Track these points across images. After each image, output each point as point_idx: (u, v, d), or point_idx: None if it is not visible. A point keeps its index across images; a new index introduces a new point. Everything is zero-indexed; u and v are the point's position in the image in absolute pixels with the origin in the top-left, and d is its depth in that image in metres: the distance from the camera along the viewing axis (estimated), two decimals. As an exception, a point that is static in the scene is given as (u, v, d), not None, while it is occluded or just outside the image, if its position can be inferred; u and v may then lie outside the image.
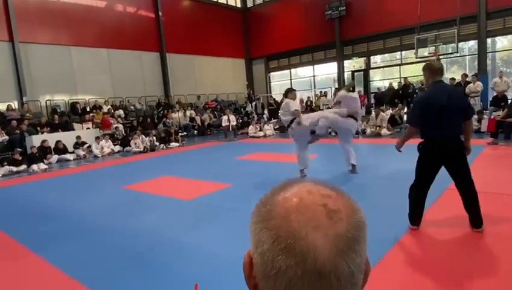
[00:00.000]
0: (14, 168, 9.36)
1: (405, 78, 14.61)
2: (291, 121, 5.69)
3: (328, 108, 10.52)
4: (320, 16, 17.77)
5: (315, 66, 19.69)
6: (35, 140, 10.57)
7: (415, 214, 3.35)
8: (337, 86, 16.59)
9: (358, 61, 18.11)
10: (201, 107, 17.46)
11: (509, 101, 9.81)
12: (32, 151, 9.83)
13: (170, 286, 2.72)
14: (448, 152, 3.14)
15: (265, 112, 17.73)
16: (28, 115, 12.24)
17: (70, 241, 3.86)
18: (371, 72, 18.08)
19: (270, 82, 21.98)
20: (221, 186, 5.82)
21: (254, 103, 18.41)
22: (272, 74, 21.89)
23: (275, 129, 14.32)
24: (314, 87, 19.87)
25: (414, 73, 16.34)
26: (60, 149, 10.91)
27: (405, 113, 13.22)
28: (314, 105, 15.46)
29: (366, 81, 17.86)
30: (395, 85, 14.67)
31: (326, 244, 0.41)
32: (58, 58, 13.73)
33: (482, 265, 2.70)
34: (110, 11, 15.51)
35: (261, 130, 13.99)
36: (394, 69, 17.16)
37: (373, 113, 11.91)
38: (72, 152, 11.23)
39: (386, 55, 17.47)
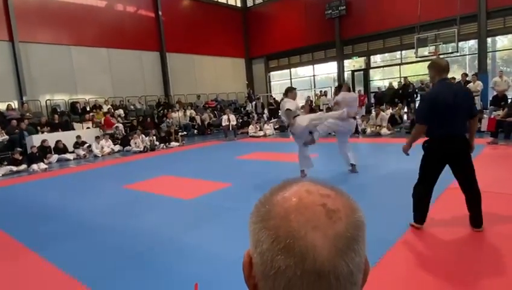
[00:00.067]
0: (14, 168, 9.36)
1: (405, 77, 14.61)
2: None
3: (328, 108, 10.53)
4: (320, 16, 17.75)
5: (315, 65, 19.68)
6: (35, 140, 10.57)
7: (420, 213, 3.32)
8: (337, 85, 16.57)
9: (358, 61, 18.10)
10: (201, 107, 17.45)
11: (509, 101, 9.80)
12: (32, 150, 9.84)
13: (170, 286, 2.72)
14: (454, 150, 3.13)
15: (265, 111, 17.73)
16: (28, 114, 12.24)
17: (70, 241, 3.87)
18: (371, 71, 18.08)
19: (270, 81, 21.98)
20: (221, 186, 5.82)
21: (254, 103, 18.40)
22: (272, 73, 21.89)
23: (274, 129, 14.32)
24: (314, 87, 19.87)
25: (414, 72, 16.35)
26: (60, 149, 10.92)
27: (405, 112, 13.24)
28: (314, 105, 15.46)
29: (366, 80, 17.86)
30: (395, 85, 14.67)
31: (325, 244, 0.41)
32: (58, 58, 13.72)
33: (483, 265, 2.70)
34: (110, 11, 15.50)
35: (261, 129, 13.99)
36: (394, 69, 17.15)
37: (373, 112, 11.91)
38: (72, 152, 11.23)
39: (386, 54, 17.46)
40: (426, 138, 3.24)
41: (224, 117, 13.76)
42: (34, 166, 9.40)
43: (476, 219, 3.21)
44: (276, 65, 21.32)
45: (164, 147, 12.22)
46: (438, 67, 3.21)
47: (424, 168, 3.27)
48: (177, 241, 3.61)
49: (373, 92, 16.44)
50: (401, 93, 13.70)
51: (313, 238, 0.41)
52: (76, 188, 6.87)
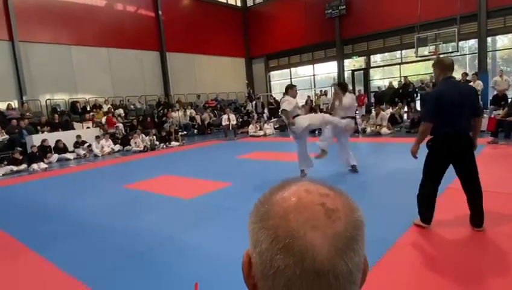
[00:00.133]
0: (15, 168, 9.37)
1: (405, 77, 14.60)
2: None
3: (328, 109, 10.46)
4: (320, 15, 17.74)
5: (315, 65, 19.67)
6: (36, 139, 10.58)
7: (427, 212, 3.30)
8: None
9: (358, 60, 18.09)
10: (201, 106, 17.45)
11: (510, 100, 9.80)
12: (32, 150, 9.84)
13: (170, 286, 2.72)
14: (459, 148, 3.12)
15: (265, 111, 17.72)
16: (28, 114, 12.24)
17: (70, 241, 3.87)
18: (371, 71, 18.07)
19: (270, 81, 21.98)
20: (221, 186, 5.82)
21: (254, 102, 18.39)
22: (272, 73, 21.88)
23: (275, 128, 14.32)
24: (314, 87, 19.86)
25: (414, 72, 16.35)
26: (60, 148, 10.92)
27: (405, 112, 13.24)
28: (314, 104, 15.45)
29: (366, 80, 17.86)
30: (395, 84, 14.66)
31: (324, 243, 0.41)
32: (58, 58, 13.73)
33: (484, 264, 2.70)
34: (110, 10, 15.50)
35: (261, 129, 13.99)
36: (394, 68, 17.15)
37: (373, 112, 11.91)
38: (72, 151, 11.23)
39: (386, 54, 17.46)
40: (430, 137, 3.23)
41: (224, 117, 13.77)
42: (34, 166, 9.41)
43: (477, 219, 3.21)
44: (276, 65, 21.32)
45: (164, 146, 12.22)
46: (443, 66, 3.20)
47: (429, 166, 3.25)
48: (177, 241, 3.61)
49: (373, 92, 16.44)
50: (401, 93, 13.70)
51: (312, 238, 0.41)
52: (77, 187, 6.87)
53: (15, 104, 12.50)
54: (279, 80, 21.71)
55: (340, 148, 6.02)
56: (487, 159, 6.23)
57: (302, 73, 20.68)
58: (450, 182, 3.89)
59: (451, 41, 12.91)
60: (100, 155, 11.19)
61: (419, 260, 2.87)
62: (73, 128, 12.44)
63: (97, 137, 11.66)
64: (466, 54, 15.33)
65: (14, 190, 7.30)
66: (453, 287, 2.44)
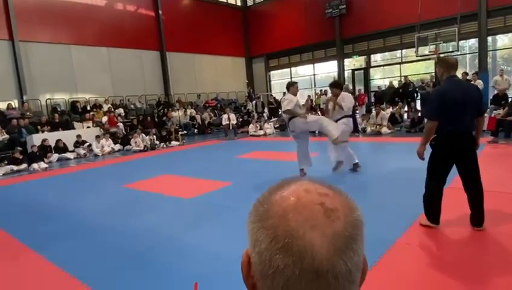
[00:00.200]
0: (15, 167, 9.37)
1: (405, 76, 14.60)
2: (290, 119, 5.68)
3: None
4: (321, 14, 17.74)
5: (315, 64, 19.67)
6: (36, 139, 10.59)
7: (434, 211, 3.29)
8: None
9: (358, 60, 18.08)
10: (201, 106, 17.45)
11: (510, 100, 9.80)
12: (32, 150, 9.85)
13: (170, 285, 2.72)
14: (462, 147, 3.12)
15: (266, 110, 17.72)
16: (28, 113, 12.25)
17: (70, 240, 3.87)
18: (371, 70, 18.06)
19: (270, 80, 21.97)
20: (221, 185, 5.82)
21: (254, 102, 18.40)
22: (272, 72, 21.88)
23: (275, 128, 14.32)
24: (315, 86, 19.86)
25: (414, 71, 16.35)
26: (61, 148, 10.93)
27: (405, 111, 13.23)
28: (314, 104, 15.44)
29: (367, 79, 17.85)
30: (396, 84, 14.65)
31: (323, 243, 0.41)
32: (58, 57, 13.73)
33: (485, 264, 2.70)
34: (110, 10, 15.50)
35: (261, 128, 13.99)
36: (394, 68, 17.14)
37: (373, 111, 11.91)
38: (73, 151, 11.24)
39: (387, 53, 17.45)
40: (434, 136, 3.22)
41: (225, 116, 13.77)
42: (35, 165, 9.41)
43: (477, 218, 3.20)
44: (276, 64, 21.31)
45: (164, 146, 12.22)
46: (447, 64, 3.20)
47: (433, 165, 3.24)
48: (177, 241, 3.61)
49: (373, 91, 16.43)
50: (402, 92, 13.69)
51: (311, 238, 0.41)
52: (77, 187, 6.87)
53: (15, 103, 12.50)
54: (279, 79, 21.71)
55: (342, 148, 5.92)
56: (487, 159, 6.22)
57: (302, 72, 20.67)
58: (450, 181, 3.89)
59: (452, 41, 12.90)
60: (100, 155, 11.20)
61: (420, 259, 2.87)
62: (74, 128, 12.45)
63: (97, 137, 11.67)
64: (466, 54, 15.32)
65: (14, 189, 7.31)
66: (453, 286, 2.44)
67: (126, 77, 15.88)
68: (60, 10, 13.71)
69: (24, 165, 9.52)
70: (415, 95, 13.43)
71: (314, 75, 20.01)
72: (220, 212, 4.43)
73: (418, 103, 13.32)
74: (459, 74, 3.57)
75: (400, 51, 16.49)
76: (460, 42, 13.54)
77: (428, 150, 3.28)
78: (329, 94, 6.19)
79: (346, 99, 5.75)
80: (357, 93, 15.20)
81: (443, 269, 2.65)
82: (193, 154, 10.40)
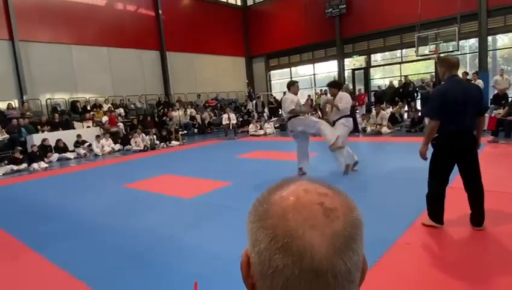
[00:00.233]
0: (15, 167, 9.38)
1: (405, 76, 14.59)
2: (289, 119, 5.68)
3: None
4: (321, 14, 17.73)
5: (315, 64, 19.65)
6: (36, 139, 10.59)
7: (438, 212, 3.27)
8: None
9: (358, 60, 18.07)
10: (201, 106, 17.45)
11: (510, 99, 9.79)
12: (32, 150, 9.85)
13: (170, 285, 2.72)
14: (462, 147, 3.12)
15: (266, 110, 17.72)
16: (28, 113, 12.25)
17: (70, 240, 3.87)
18: (372, 70, 18.05)
19: (270, 80, 21.96)
20: (221, 185, 5.82)
21: (254, 101, 18.39)
22: (272, 72, 21.87)
23: (275, 127, 14.32)
24: (315, 86, 19.85)
25: (415, 71, 16.33)
26: (61, 148, 10.93)
27: (405, 111, 13.23)
28: (314, 103, 15.44)
29: (367, 79, 17.84)
30: (396, 83, 14.65)
31: (323, 243, 0.41)
32: (58, 57, 13.72)
33: (486, 264, 2.70)
34: (111, 10, 15.49)
35: (261, 128, 13.98)
36: (395, 67, 17.13)
37: (373, 111, 11.91)
38: (73, 151, 11.24)
39: (387, 53, 17.44)
40: (435, 135, 3.21)
41: (225, 116, 13.77)
42: (35, 165, 9.41)
43: (478, 218, 3.20)
44: (276, 64, 21.30)
45: (164, 146, 12.23)
46: (448, 64, 3.19)
47: (435, 165, 3.23)
48: (177, 241, 3.61)
49: (373, 91, 16.43)
50: (402, 92, 13.68)
51: (311, 237, 0.41)
52: (77, 187, 6.87)
53: (15, 103, 12.49)
54: (279, 79, 21.70)
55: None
56: (487, 158, 6.22)
57: (303, 72, 20.66)
58: (451, 181, 3.88)
59: (452, 41, 12.89)
60: (100, 154, 11.20)
61: (420, 259, 2.87)
62: (74, 128, 12.45)
63: (97, 136, 11.67)
64: (466, 53, 15.32)
65: (15, 189, 7.31)
66: (454, 286, 2.44)
67: (126, 76, 15.87)
68: (60, 10, 13.70)
69: (24, 165, 9.52)
70: (415, 94, 13.43)
71: (314, 74, 20.00)
72: (220, 212, 4.43)
73: (418, 102, 13.32)
74: (459, 73, 3.56)
75: (400, 50, 16.48)
76: (461, 42, 13.54)
77: (430, 150, 3.28)
78: (330, 94, 6.15)
79: (343, 99, 5.66)
80: (357, 93, 15.19)
81: (443, 268, 2.65)
82: (193, 154, 10.40)
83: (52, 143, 10.80)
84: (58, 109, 13.32)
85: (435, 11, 13.63)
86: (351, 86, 16.25)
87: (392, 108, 12.45)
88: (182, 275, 2.87)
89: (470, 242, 3.11)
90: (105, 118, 13.39)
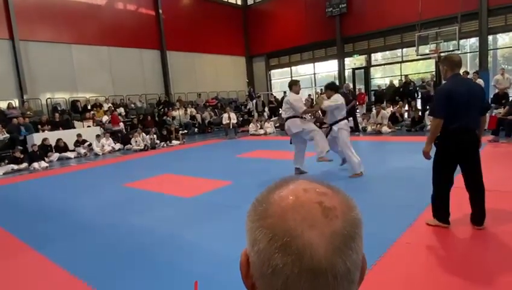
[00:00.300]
0: (15, 166, 9.39)
1: (406, 75, 14.58)
2: (287, 118, 5.68)
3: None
4: (321, 13, 17.71)
5: (316, 63, 19.64)
6: (36, 138, 10.60)
7: (444, 211, 3.26)
8: (337, 84, 16.49)
9: (359, 59, 18.06)
10: (201, 105, 17.45)
11: (510, 99, 9.78)
12: (33, 149, 9.86)
13: (170, 284, 2.73)
14: (465, 145, 3.12)
15: (266, 109, 17.71)
16: (28, 113, 12.26)
17: (70, 239, 3.87)
18: (372, 69, 18.03)
19: (270, 80, 21.95)
20: (221, 184, 5.82)
21: (255, 101, 18.37)
22: (273, 71, 21.85)
23: (275, 127, 14.31)
24: (315, 85, 19.83)
25: (415, 70, 16.32)
26: (61, 147, 10.94)
27: (406, 110, 13.21)
28: (315, 103, 15.41)
29: (367, 78, 17.82)
30: (396, 83, 14.63)
31: (322, 242, 0.41)
32: (58, 56, 13.72)
33: (486, 263, 2.70)
34: (111, 9, 15.48)
35: (261, 128, 13.99)
36: (395, 67, 17.12)
37: (374, 110, 11.90)
38: (73, 150, 11.25)
39: (387, 52, 17.41)
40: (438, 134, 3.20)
41: (225, 115, 13.76)
42: (35, 164, 9.43)
43: (478, 216, 3.20)
44: (276, 63, 21.29)
45: (165, 145, 12.23)
46: (451, 62, 3.19)
47: (438, 164, 3.22)
48: (177, 240, 3.62)
49: (373, 90, 16.41)
50: (402, 91, 13.67)
51: (310, 237, 0.41)
52: (77, 186, 6.88)
53: (15, 103, 12.50)
54: (279, 78, 21.69)
55: (343, 149, 5.81)
56: (488, 158, 6.21)
57: (303, 71, 20.65)
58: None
59: (452, 40, 12.88)
60: (101, 154, 11.21)
61: (420, 259, 2.87)
62: (74, 127, 12.45)
63: (98, 136, 11.68)
64: (467, 53, 15.29)
65: (15, 188, 7.32)
66: (454, 285, 2.44)
67: (126, 76, 15.87)
68: (60, 9, 13.70)
69: (25, 165, 9.53)
70: (416, 94, 13.41)
71: (314, 74, 19.98)
72: (220, 212, 4.44)
73: (419, 102, 13.31)
74: (460, 72, 3.57)
75: (400, 49, 16.45)
76: (461, 41, 13.52)
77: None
78: (325, 96, 6.13)
79: (333, 100, 5.63)
80: (357, 92, 15.18)
81: (444, 268, 2.65)
82: (193, 153, 10.40)
83: (53, 143, 10.82)
84: (59, 108, 13.33)
85: (435, 10, 13.61)
86: (351, 85, 16.23)
87: (393, 107, 12.44)
88: (182, 274, 2.87)
89: (471, 241, 3.11)
90: (105, 118, 13.40)
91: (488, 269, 2.59)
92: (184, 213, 4.59)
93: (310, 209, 0.43)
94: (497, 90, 10.59)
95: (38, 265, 3.29)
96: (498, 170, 5.22)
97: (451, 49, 12.89)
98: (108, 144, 11.70)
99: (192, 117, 15.85)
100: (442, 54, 12.63)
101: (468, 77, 11.57)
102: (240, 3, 21.42)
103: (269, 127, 13.99)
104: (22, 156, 9.66)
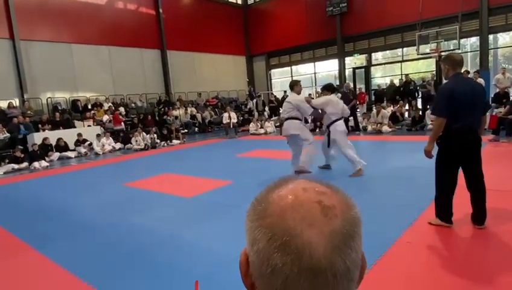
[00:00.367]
0: (16, 166, 9.40)
1: (406, 75, 14.56)
2: (286, 119, 5.67)
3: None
4: (322, 13, 17.70)
5: (316, 63, 19.63)
6: (37, 138, 10.61)
7: (447, 211, 3.25)
8: (338, 83, 16.50)
9: (359, 58, 18.05)
10: (202, 105, 17.45)
11: (511, 98, 9.77)
12: (33, 148, 9.87)
13: (170, 284, 2.73)
14: (470, 145, 3.11)
15: (266, 109, 17.71)
16: (29, 112, 12.26)
17: (70, 239, 3.88)
18: (372, 68, 18.03)
19: (271, 79, 21.94)
20: (222, 184, 5.82)
21: (255, 100, 18.38)
22: (273, 71, 21.84)
23: (275, 126, 14.30)
24: (315, 85, 19.83)
25: (415, 70, 16.30)
26: (61, 147, 10.95)
27: (406, 110, 13.21)
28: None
29: (368, 78, 17.81)
30: (396, 82, 14.62)
31: (321, 241, 0.41)
32: (59, 56, 13.73)
33: (487, 263, 2.69)
34: (111, 9, 15.49)
35: (261, 127, 13.99)
36: (395, 66, 17.11)
37: (374, 110, 11.90)
38: (73, 150, 11.26)
39: (387, 52, 17.40)
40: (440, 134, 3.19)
41: (225, 115, 13.76)
42: (36, 164, 9.43)
43: (479, 216, 3.19)
44: (277, 63, 21.28)
45: (165, 144, 12.23)
46: (453, 61, 3.17)
47: (441, 164, 3.21)
48: (177, 239, 3.62)
49: (374, 90, 16.39)
50: (402, 91, 13.66)
51: (309, 236, 0.41)
52: (78, 185, 6.88)
53: (16, 102, 12.51)
54: (280, 77, 21.69)
55: (342, 149, 5.82)
56: (488, 157, 6.19)
57: (303, 71, 20.64)
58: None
59: (453, 39, 12.86)
60: (101, 153, 11.22)
61: (421, 258, 2.86)
62: (74, 127, 12.47)
63: (98, 135, 11.68)
64: (467, 52, 15.27)
65: (16, 188, 7.32)
66: (455, 284, 2.44)
67: (127, 75, 15.88)
68: (60, 9, 13.70)
69: (25, 164, 9.54)
70: (416, 93, 13.40)
71: (315, 73, 19.97)
72: (221, 211, 4.44)
73: (419, 101, 13.30)
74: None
75: (400, 49, 16.44)
76: (462, 40, 13.49)
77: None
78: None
79: (320, 99, 5.83)
80: (357, 91, 15.18)
81: (445, 267, 2.65)
82: (194, 153, 10.40)
83: (53, 142, 10.83)
84: (59, 107, 13.34)
85: (435, 9, 13.60)
86: (351, 85, 16.23)
87: (393, 107, 12.43)
88: (182, 273, 2.87)
89: (472, 241, 3.11)
90: (106, 117, 13.41)
91: (489, 269, 2.59)
92: (184, 213, 4.59)
93: (309, 209, 0.43)
94: (497, 90, 10.58)
95: (38, 264, 3.29)
96: (499, 170, 5.21)
97: (451, 48, 12.88)
98: (109, 143, 11.71)
99: (193, 116, 15.86)
100: (442, 53, 12.61)
101: (469, 76, 11.57)
102: (240, 3, 21.42)
103: (269, 126, 13.99)
104: (22, 155, 9.67)
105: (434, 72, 14.28)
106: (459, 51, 13.59)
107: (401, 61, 16.63)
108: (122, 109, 14.51)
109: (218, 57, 19.84)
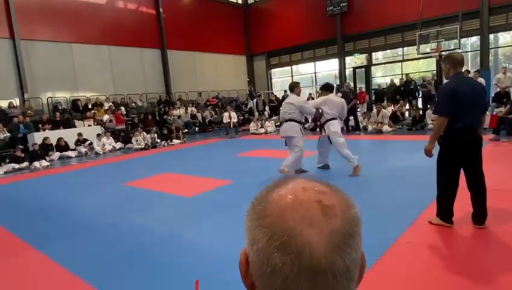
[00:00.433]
0: (16, 165, 9.40)
1: (407, 74, 14.55)
2: (287, 120, 5.67)
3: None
4: (322, 12, 17.69)
5: (316, 62, 19.62)
6: (37, 137, 10.62)
7: (448, 211, 3.24)
8: (338, 83, 16.49)
9: (359, 58, 18.04)
10: (202, 104, 17.45)
11: (512, 98, 9.77)
12: (34, 148, 9.88)
13: (170, 283, 2.73)
14: (471, 144, 3.11)
15: (267, 108, 17.71)
16: (29, 112, 12.27)
17: (71, 238, 3.88)
18: (373, 68, 18.01)
19: (271, 79, 21.93)
20: (222, 183, 5.82)
21: (255, 100, 18.38)
22: (273, 70, 21.83)
23: (276, 126, 14.30)
24: (316, 84, 19.81)
25: (416, 69, 16.29)
26: (62, 146, 10.96)
27: (406, 109, 13.20)
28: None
29: (368, 77, 17.80)
30: (397, 81, 14.62)
31: (321, 240, 0.41)
32: (59, 55, 13.73)
33: (487, 262, 2.69)
34: (111, 8, 15.49)
35: (262, 127, 13.98)
36: (396, 66, 17.10)
37: (374, 109, 11.89)
38: (74, 149, 11.26)
39: (388, 51, 17.38)
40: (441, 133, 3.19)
41: (225, 114, 13.76)
42: (36, 163, 9.44)
43: (480, 215, 3.19)
44: (277, 62, 21.27)
45: (165, 144, 12.24)
46: (454, 61, 3.17)
47: (443, 163, 3.21)
48: (177, 239, 3.62)
49: (374, 89, 16.38)
50: (403, 90, 13.65)
51: (309, 235, 0.41)
52: (78, 185, 6.89)
53: (16, 102, 12.52)
54: (280, 77, 21.68)
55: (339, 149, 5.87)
56: (488, 157, 6.18)
57: (304, 70, 20.63)
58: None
59: (453, 39, 12.85)
60: (101, 153, 11.22)
61: (421, 258, 2.86)
62: (75, 126, 12.48)
63: (98, 135, 11.69)
64: (468, 51, 15.26)
65: (16, 187, 7.33)
66: (456, 284, 2.44)
67: (127, 75, 15.88)
68: (61, 8, 13.70)
69: (25, 164, 9.55)
70: (417, 93, 13.39)
71: (315, 73, 19.96)
72: (221, 211, 4.44)
73: (420, 100, 13.29)
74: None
75: (401, 48, 16.43)
76: (462, 40, 13.48)
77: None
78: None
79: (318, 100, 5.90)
80: (358, 91, 15.17)
81: (445, 267, 2.64)
82: (194, 152, 10.40)
83: (53, 142, 10.83)
84: (59, 107, 13.34)
85: (436, 8, 13.58)
86: (352, 84, 16.22)
87: (393, 106, 12.43)
88: (182, 272, 2.87)
89: (472, 240, 3.10)
90: (106, 117, 13.41)
91: (489, 268, 2.59)
92: (184, 212, 4.59)
93: (309, 208, 0.43)
94: (498, 89, 10.57)
95: (38, 264, 3.29)
96: (499, 169, 5.21)
97: (452, 48, 12.87)
98: (109, 143, 11.71)
99: (193, 116, 15.86)
100: (443, 53, 12.60)
101: (470, 75, 11.56)
102: (240, 2, 21.41)
103: (270, 126, 13.98)
104: (22, 155, 9.68)
105: (434, 72, 14.28)
106: (460, 51, 13.57)
107: (401, 61, 16.62)
108: (122, 109, 14.52)
109: (218, 56, 19.84)
